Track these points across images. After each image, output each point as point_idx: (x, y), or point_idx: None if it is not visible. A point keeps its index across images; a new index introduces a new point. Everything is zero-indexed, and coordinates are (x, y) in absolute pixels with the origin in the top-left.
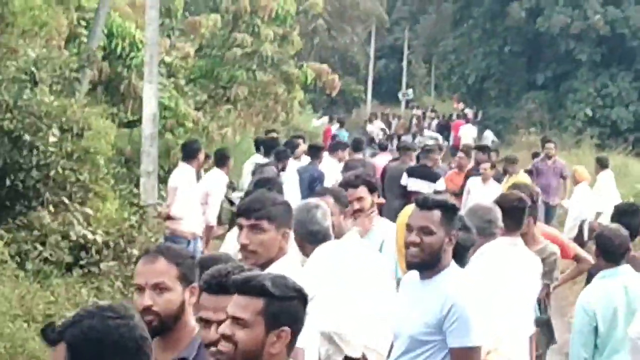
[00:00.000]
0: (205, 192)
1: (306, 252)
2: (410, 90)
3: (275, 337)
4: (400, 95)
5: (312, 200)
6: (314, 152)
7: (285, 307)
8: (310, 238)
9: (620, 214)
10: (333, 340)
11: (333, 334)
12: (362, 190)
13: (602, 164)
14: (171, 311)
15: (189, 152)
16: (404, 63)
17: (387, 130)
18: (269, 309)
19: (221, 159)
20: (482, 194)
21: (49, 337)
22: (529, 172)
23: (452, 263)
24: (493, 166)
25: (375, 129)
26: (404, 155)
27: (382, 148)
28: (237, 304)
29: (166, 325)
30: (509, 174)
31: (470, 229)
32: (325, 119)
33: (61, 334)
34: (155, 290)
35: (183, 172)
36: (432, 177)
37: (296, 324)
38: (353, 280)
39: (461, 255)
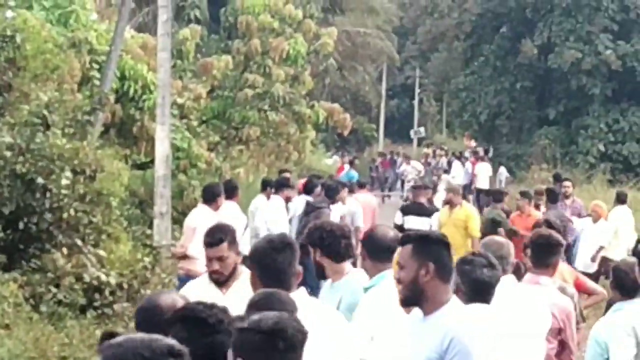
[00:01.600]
0: None
1: None
2: (422, 129)
3: None
4: (412, 133)
5: None
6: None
7: None
8: None
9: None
10: None
11: None
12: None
13: (620, 200)
14: None
15: (210, 195)
16: (416, 101)
17: (422, 171)
18: None
19: (232, 190)
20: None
21: None
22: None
23: (454, 298)
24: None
25: (412, 170)
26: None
27: (361, 185)
28: None
29: None
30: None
31: (495, 265)
32: (336, 158)
33: None
34: None
35: (203, 213)
36: (427, 213)
37: None
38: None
39: (486, 292)
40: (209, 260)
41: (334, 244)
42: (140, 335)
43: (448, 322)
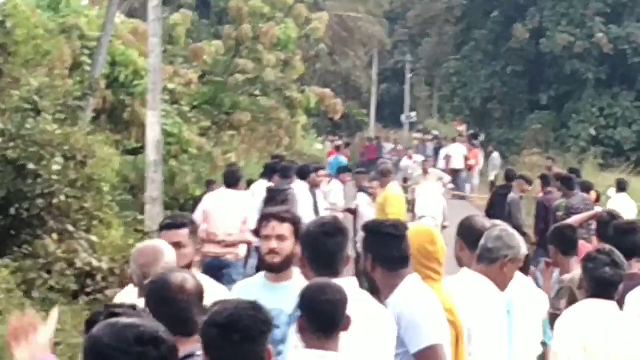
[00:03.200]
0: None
1: None
2: (413, 113)
3: None
4: (403, 118)
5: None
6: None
7: None
8: None
9: (621, 232)
10: None
11: None
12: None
13: (620, 187)
14: None
15: (233, 179)
16: (407, 86)
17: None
18: None
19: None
20: None
21: None
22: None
23: (406, 282)
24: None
25: (415, 165)
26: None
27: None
28: None
29: None
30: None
31: (619, 264)
32: (327, 144)
33: None
34: None
35: (225, 196)
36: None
37: None
38: None
39: (609, 290)
40: None
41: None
42: (115, 322)
43: (396, 301)
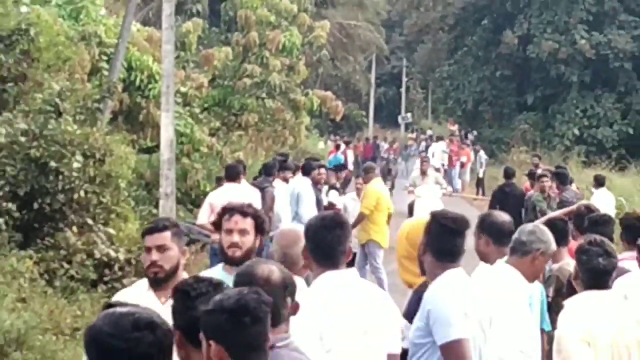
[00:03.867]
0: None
1: None
2: (409, 114)
3: None
4: (399, 119)
5: None
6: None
7: None
8: None
9: (593, 224)
10: None
11: None
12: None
13: (599, 182)
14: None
15: (234, 174)
16: (403, 89)
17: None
18: None
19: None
20: None
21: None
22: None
23: (443, 276)
24: None
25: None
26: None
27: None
28: None
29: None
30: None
31: (611, 253)
32: (330, 143)
33: None
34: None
35: (229, 190)
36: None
37: None
38: None
39: (604, 280)
40: (148, 251)
41: None
42: (112, 312)
43: (426, 295)
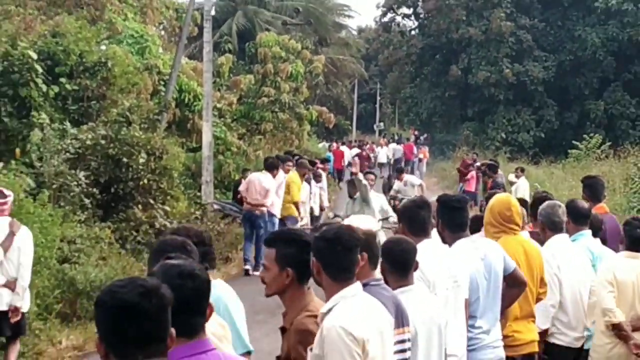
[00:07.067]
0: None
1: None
2: (381, 123)
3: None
4: (375, 127)
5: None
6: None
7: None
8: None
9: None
10: None
11: None
12: None
13: (521, 172)
14: None
15: (272, 165)
16: (377, 105)
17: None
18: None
19: (272, 166)
20: None
21: None
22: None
23: (458, 242)
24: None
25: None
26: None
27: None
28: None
29: None
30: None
31: None
32: (325, 144)
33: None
34: None
35: (269, 178)
36: None
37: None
38: None
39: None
40: None
41: None
42: (165, 263)
43: None
